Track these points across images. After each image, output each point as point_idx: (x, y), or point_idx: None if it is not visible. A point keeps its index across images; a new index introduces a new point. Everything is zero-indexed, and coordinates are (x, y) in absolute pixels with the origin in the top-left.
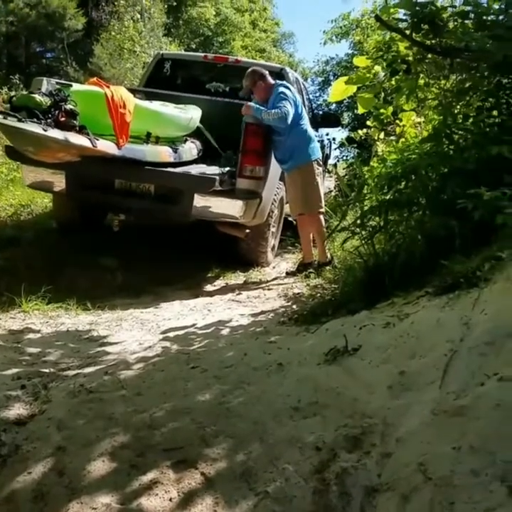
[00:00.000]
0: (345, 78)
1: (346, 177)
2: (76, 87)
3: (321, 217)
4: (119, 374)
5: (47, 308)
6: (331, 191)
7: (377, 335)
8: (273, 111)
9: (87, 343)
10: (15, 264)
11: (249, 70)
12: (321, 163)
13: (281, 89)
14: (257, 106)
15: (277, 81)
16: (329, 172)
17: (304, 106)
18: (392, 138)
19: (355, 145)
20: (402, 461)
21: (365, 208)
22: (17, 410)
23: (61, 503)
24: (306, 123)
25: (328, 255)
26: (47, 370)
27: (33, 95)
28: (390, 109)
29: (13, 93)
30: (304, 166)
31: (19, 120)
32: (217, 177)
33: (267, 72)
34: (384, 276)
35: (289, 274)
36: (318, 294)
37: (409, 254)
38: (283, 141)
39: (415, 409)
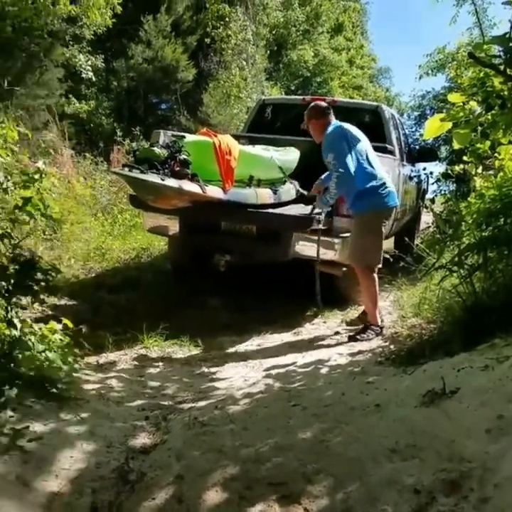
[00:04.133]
0: (440, 116)
1: (444, 212)
2: (189, 137)
3: (374, 274)
4: (228, 409)
5: (164, 345)
6: (428, 227)
7: (475, 378)
8: (330, 188)
9: (199, 378)
10: (136, 303)
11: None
12: (387, 214)
13: (329, 136)
14: (322, 199)
15: (331, 124)
16: (426, 207)
17: (400, 142)
18: (490, 172)
19: (453, 180)
20: (500, 506)
21: (463, 246)
22: (142, 439)
23: None
24: (373, 164)
25: (379, 320)
26: (166, 403)
27: (153, 148)
28: (487, 143)
29: (134, 144)
30: (360, 216)
31: (142, 172)
32: (315, 216)
33: (325, 109)
34: (484, 316)
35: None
36: (416, 334)
37: (509, 293)
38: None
39: None
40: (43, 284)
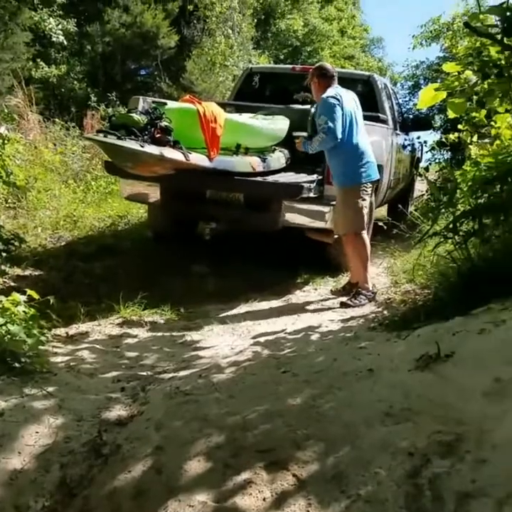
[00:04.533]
0: (434, 85)
1: (438, 180)
2: (170, 104)
3: (363, 237)
4: (213, 377)
5: (143, 314)
6: (422, 195)
7: (471, 341)
8: (315, 139)
9: (182, 347)
10: (113, 272)
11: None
12: (369, 186)
13: (327, 100)
14: (304, 140)
15: (330, 89)
16: (420, 175)
17: (393, 111)
18: (486, 140)
19: (448, 148)
20: (497, 467)
21: (458, 213)
22: (117, 411)
23: (159, 500)
24: (357, 139)
25: (370, 284)
26: (144, 374)
27: (131, 114)
28: (483, 112)
29: (109, 110)
30: (348, 189)
31: (118, 138)
32: (305, 184)
33: (330, 73)
34: (479, 281)
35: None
36: (410, 300)
37: (506, 258)
38: (329, 156)
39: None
40: (3, 254)
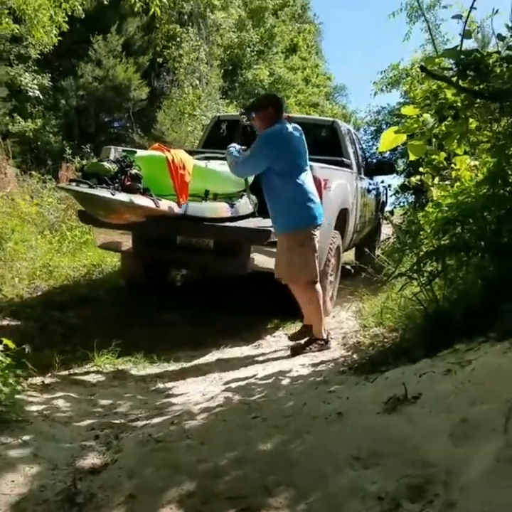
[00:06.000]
0: (394, 128)
1: (403, 223)
2: (140, 153)
3: (316, 287)
4: (184, 424)
5: (117, 362)
6: (388, 238)
7: (437, 383)
8: (238, 155)
9: (154, 394)
10: (87, 321)
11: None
12: (317, 230)
13: (269, 136)
14: (231, 151)
15: (278, 125)
16: (386, 219)
17: (357, 156)
18: (447, 182)
19: (411, 191)
20: (465, 509)
21: (422, 253)
22: (91, 459)
23: None
24: (304, 179)
25: (324, 333)
26: (118, 421)
27: (102, 163)
28: (443, 154)
29: (84, 162)
30: (295, 234)
31: (90, 186)
32: (272, 228)
33: (283, 106)
34: (445, 322)
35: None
36: (379, 343)
37: (470, 299)
38: (273, 196)
39: (478, 457)
40: None
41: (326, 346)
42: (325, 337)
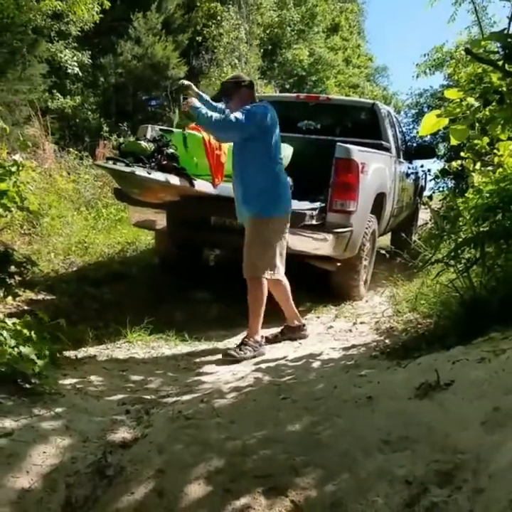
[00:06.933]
0: (436, 112)
1: (442, 209)
2: (177, 132)
3: (263, 283)
4: (214, 402)
5: (149, 339)
6: (426, 223)
7: (471, 370)
8: (216, 114)
9: (185, 372)
10: (120, 297)
11: (237, 74)
12: (286, 221)
13: (258, 108)
14: (199, 105)
15: (262, 103)
16: (424, 204)
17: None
18: (489, 168)
19: (451, 176)
20: (494, 497)
21: (460, 240)
22: (122, 434)
23: None
24: (281, 166)
25: (259, 336)
26: (148, 397)
27: (139, 142)
28: (486, 139)
29: (121, 140)
30: (255, 220)
31: (126, 165)
32: (308, 212)
33: (253, 86)
34: (481, 310)
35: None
36: (412, 329)
37: (508, 287)
38: (248, 172)
39: (509, 445)
40: (17, 277)
41: (260, 350)
42: (260, 340)
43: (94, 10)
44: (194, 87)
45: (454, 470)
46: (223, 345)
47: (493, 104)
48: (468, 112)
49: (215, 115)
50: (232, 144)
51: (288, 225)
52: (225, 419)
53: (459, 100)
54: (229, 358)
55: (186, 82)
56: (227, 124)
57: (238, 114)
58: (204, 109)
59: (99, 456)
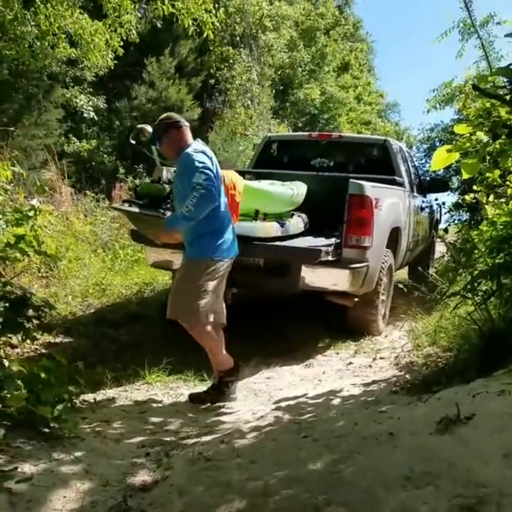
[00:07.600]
0: (446, 147)
1: (457, 241)
2: None
3: (205, 328)
4: (234, 443)
5: (168, 380)
6: (442, 256)
7: (491, 403)
8: (188, 203)
9: (204, 412)
10: (138, 338)
11: (165, 115)
12: (224, 264)
13: (196, 154)
14: (168, 219)
15: (196, 143)
16: (440, 237)
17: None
18: (502, 200)
19: (465, 209)
20: None
21: (476, 272)
22: (142, 476)
23: None
24: (222, 208)
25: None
26: (168, 439)
27: (155, 184)
28: (497, 172)
29: (137, 181)
30: (195, 262)
31: (141, 207)
32: (323, 248)
33: (183, 122)
34: (500, 342)
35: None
36: (432, 363)
37: None
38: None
39: None
40: (35, 321)
41: (231, 392)
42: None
43: (108, 56)
44: (148, 127)
45: (477, 504)
46: (242, 384)
47: (503, 137)
48: (478, 146)
49: (186, 208)
50: (246, 182)
51: (228, 269)
52: (245, 460)
53: (468, 135)
54: (198, 402)
55: (139, 126)
56: (201, 201)
57: (199, 180)
58: (176, 216)
59: (120, 500)
